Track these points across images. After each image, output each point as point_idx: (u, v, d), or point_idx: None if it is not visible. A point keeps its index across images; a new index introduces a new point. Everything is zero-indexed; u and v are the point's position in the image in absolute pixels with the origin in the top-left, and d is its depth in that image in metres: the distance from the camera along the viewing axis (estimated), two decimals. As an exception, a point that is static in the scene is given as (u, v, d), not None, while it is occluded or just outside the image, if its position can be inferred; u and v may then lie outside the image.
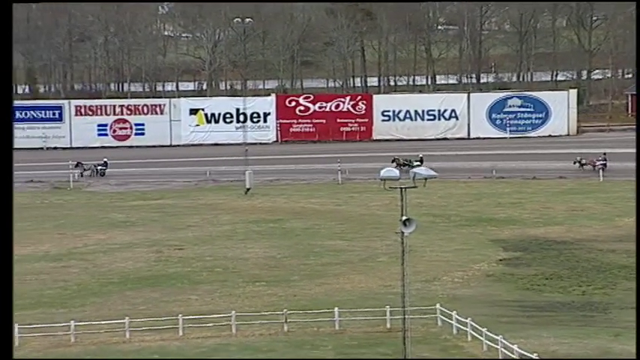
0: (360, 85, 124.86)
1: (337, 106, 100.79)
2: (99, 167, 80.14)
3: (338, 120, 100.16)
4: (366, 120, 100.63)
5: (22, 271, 49.13)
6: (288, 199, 69.72)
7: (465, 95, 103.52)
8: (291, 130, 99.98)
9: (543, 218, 60.78)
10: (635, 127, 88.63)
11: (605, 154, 79.84)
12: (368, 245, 53.46)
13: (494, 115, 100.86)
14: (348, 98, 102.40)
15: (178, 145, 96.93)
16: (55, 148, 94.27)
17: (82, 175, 79.24)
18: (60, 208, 67.28)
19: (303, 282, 46.40)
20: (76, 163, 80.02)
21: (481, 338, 35.43)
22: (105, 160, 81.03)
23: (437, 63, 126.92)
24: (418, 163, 76.74)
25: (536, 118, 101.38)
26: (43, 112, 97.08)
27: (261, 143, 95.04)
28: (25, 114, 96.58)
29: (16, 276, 48.16)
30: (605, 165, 78.01)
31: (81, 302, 43.64)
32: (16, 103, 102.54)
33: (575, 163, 79.71)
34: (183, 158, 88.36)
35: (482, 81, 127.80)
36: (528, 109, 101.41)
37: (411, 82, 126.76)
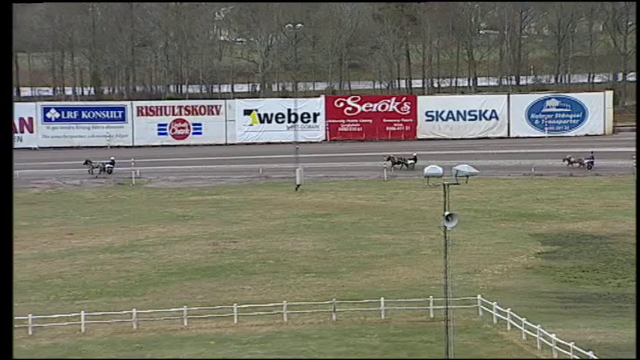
0: (404, 86, 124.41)
1: (383, 107, 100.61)
2: (107, 165, 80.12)
3: (384, 120, 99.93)
4: (411, 120, 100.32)
5: (88, 262, 49.61)
6: (336, 195, 69.68)
7: (505, 96, 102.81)
8: (339, 129, 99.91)
9: (580, 213, 60.30)
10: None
11: (592, 152, 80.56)
12: (412, 239, 53.33)
13: (533, 115, 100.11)
14: (393, 99, 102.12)
15: (233, 144, 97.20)
16: (119, 146, 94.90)
17: (91, 172, 79.25)
18: (123, 203, 67.75)
19: (351, 273, 46.40)
20: (85, 161, 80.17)
21: (520, 328, 35.26)
22: (112, 158, 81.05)
23: (478, 66, 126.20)
24: (412, 161, 79.90)
25: (573, 119, 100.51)
26: (107, 112, 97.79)
27: (310, 142, 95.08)
28: (91, 114, 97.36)
29: (83, 266, 48.70)
30: (592, 163, 79.14)
31: (142, 291, 43.95)
32: (82, 104, 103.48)
33: (564, 160, 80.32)
34: (238, 156, 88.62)
35: (521, 83, 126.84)
36: (566, 110, 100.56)
37: (453, 84, 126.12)
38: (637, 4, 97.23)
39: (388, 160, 79.67)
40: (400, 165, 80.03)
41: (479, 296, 38.83)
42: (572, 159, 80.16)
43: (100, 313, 39.07)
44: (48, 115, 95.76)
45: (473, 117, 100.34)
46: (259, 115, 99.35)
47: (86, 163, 79.85)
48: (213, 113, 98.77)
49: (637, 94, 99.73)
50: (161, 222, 60.03)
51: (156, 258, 50.19)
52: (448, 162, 50.33)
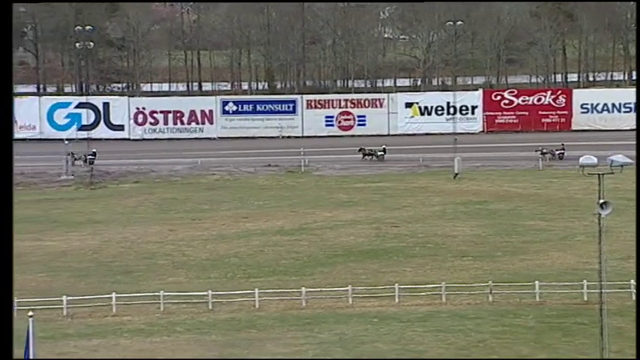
0: (560, 80, 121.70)
1: (539, 100, 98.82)
2: (88, 157, 79.51)
3: (539, 112, 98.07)
4: (566, 112, 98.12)
5: (262, 243, 50.54)
6: (492, 183, 68.82)
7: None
8: (496, 121, 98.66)
9: None
10: None
11: (563, 144, 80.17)
12: (566, 225, 52.22)
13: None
14: (549, 92, 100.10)
15: (395, 135, 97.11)
16: (289, 137, 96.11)
17: (73, 164, 78.48)
18: (293, 189, 68.62)
19: (506, 257, 45.82)
20: (69, 153, 79.20)
21: (673, 312, 34.11)
22: (94, 150, 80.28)
23: (634, 60, 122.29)
24: (381, 153, 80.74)
25: None
26: (279, 105, 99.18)
27: (468, 133, 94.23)
28: (264, 107, 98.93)
29: (257, 247, 49.64)
30: (562, 154, 78.67)
31: (310, 271, 44.52)
32: (257, 97, 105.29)
33: (536, 151, 78.70)
34: (399, 146, 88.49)
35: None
36: None
37: (608, 78, 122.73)
38: (637, 4, 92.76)
39: (360, 150, 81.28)
40: (370, 157, 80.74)
41: (632, 281, 37.75)
42: (545, 150, 79.02)
43: (273, 290, 39.78)
44: (226, 108, 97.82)
45: (628, 109, 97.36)
46: (420, 107, 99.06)
47: (70, 155, 78.98)
48: (376, 106, 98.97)
49: (637, 93, 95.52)
50: (328, 207, 60.53)
51: (323, 240, 50.70)
52: (602, 152, 49.01)
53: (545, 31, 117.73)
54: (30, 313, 25.13)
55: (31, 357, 24.64)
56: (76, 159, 79.34)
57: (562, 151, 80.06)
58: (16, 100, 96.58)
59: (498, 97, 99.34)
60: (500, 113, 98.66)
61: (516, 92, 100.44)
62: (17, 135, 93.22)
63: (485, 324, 35.13)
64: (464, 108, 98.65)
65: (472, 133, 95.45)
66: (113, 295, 38.35)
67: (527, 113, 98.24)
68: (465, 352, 32.59)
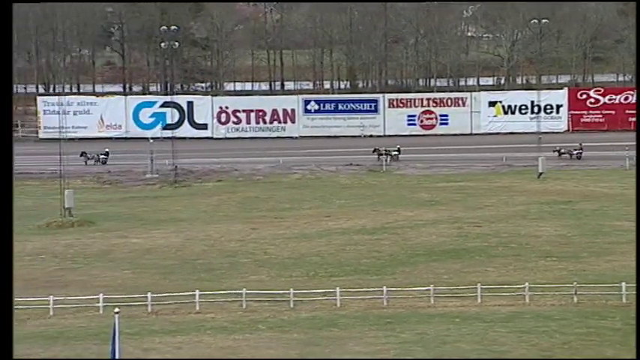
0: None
1: (626, 99, 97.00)
2: (101, 156, 79.77)
3: (626, 111, 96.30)
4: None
5: (343, 242, 50.59)
6: (577, 183, 67.86)
7: None
8: (581, 120, 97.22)
9: None
10: None
11: (581, 144, 79.43)
12: (654, 227, 51.14)
13: None
14: (636, 91, 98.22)
15: (477, 134, 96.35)
16: (371, 135, 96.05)
17: (86, 164, 78.98)
18: (374, 188, 68.57)
19: (591, 258, 45.14)
20: (80, 152, 79.64)
21: None
22: (106, 150, 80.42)
23: None
24: (396, 152, 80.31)
25: None
26: (361, 104, 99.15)
27: (553, 132, 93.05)
28: (346, 106, 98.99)
29: (338, 246, 49.69)
30: (580, 154, 77.89)
31: (392, 270, 44.42)
32: (339, 96, 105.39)
33: (554, 151, 78.51)
34: (482, 145, 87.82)
35: None
36: None
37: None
38: (637, 4, 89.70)
39: (374, 151, 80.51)
40: (385, 156, 79.66)
41: None
42: (563, 150, 79.28)
43: (354, 289, 39.80)
44: (308, 107, 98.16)
45: None
46: (503, 106, 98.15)
47: (82, 154, 79.72)
48: (459, 105, 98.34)
49: (637, 93, 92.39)
50: (409, 206, 60.34)
51: (404, 240, 50.56)
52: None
53: (632, 29, 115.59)
54: (116, 310, 25.57)
55: (116, 352, 25.08)
56: (88, 158, 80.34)
57: (580, 151, 78.76)
58: (103, 100, 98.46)
59: (584, 96, 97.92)
60: (585, 112, 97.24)
61: (603, 91, 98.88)
62: (104, 134, 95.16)
63: (569, 325, 34.65)
64: (548, 107, 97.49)
65: (557, 132, 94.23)
66: (197, 292, 38.80)
67: (613, 112, 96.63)
68: (549, 354, 32.20)
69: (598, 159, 78.37)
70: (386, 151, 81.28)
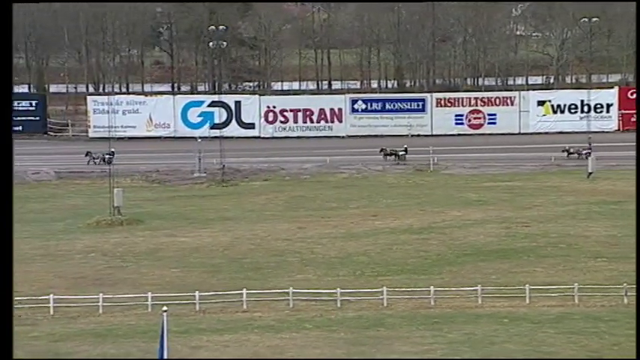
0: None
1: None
2: (106, 156, 78.90)
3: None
4: None
5: (390, 241, 50.49)
6: (628, 183, 66.99)
7: None
8: (632, 119, 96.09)
9: None
10: None
11: (590, 144, 77.64)
12: None
13: None
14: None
15: (526, 133, 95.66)
16: (418, 135, 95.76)
17: (94, 163, 78.72)
18: (421, 188, 68.38)
19: (642, 259, 44.54)
20: (85, 152, 79.77)
21: None
22: (112, 150, 79.19)
23: None
24: (403, 152, 79.87)
25: None
26: (408, 103, 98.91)
27: (603, 132, 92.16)
28: (393, 105, 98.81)
29: (385, 245, 49.61)
30: (589, 154, 75.63)
31: (439, 270, 44.26)
32: (386, 96, 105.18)
33: (563, 151, 78.46)
34: (530, 145, 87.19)
35: None
36: None
37: None
38: (637, 4, 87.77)
39: (381, 151, 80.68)
40: (392, 157, 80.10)
41: None
42: (572, 150, 79.04)
43: (401, 289, 39.72)
44: (355, 106, 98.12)
45: None
46: (552, 105, 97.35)
47: (87, 154, 79.85)
48: (507, 104, 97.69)
49: (637, 93, 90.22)
50: (457, 206, 60.09)
51: (452, 239, 50.35)
52: None
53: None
54: (164, 308, 25.75)
55: (164, 350, 25.27)
56: (93, 158, 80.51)
57: (589, 151, 77.61)
58: (152, 99, 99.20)
59: (635, 95, 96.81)
60: (636, 111, 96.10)
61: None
62: (152, 133, 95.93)
63: (619, 326, 34.29)
64: (598, 106, 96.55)
65: (607, 132, 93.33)
66: (244, 291, 38.95)
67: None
68: (598, 355, 31.89)
69: (649, 159, 77.35)
70: (393, 151, 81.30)
